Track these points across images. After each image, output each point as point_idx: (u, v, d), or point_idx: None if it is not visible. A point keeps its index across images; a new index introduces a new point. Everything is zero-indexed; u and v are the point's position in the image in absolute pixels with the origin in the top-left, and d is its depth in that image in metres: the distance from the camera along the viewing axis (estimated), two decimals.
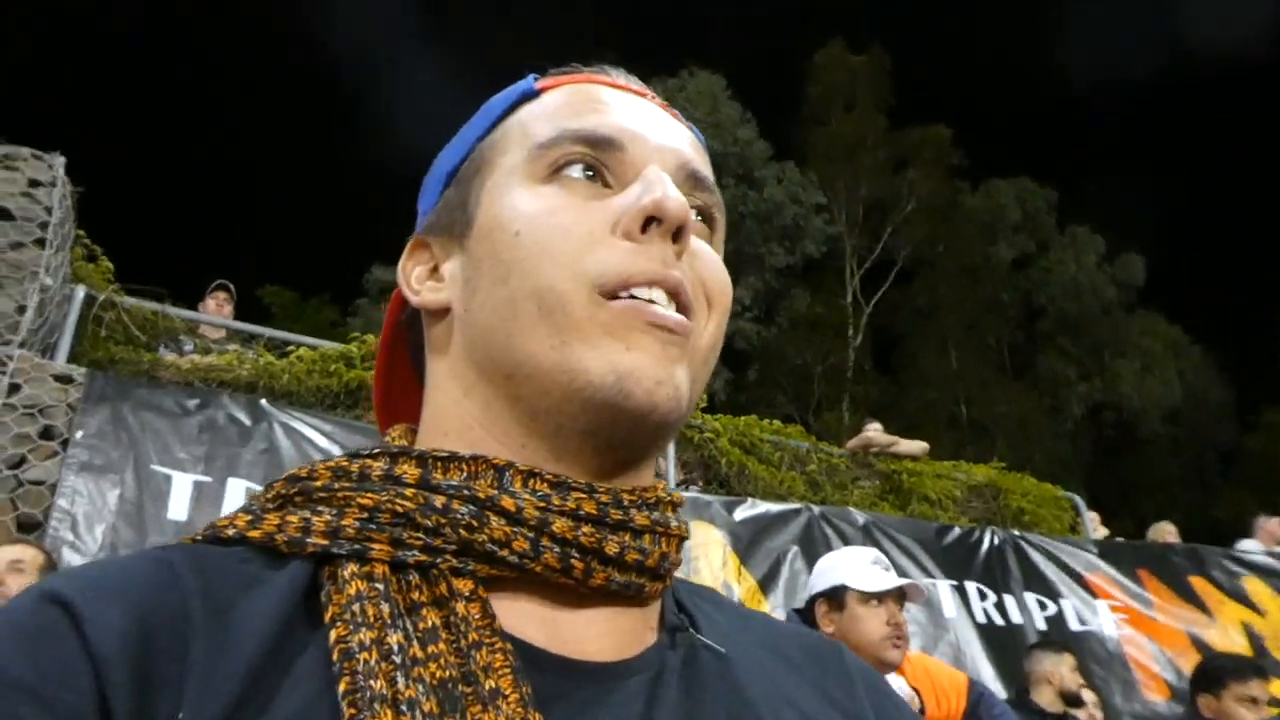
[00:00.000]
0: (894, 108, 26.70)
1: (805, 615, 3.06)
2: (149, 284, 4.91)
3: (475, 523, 0.54)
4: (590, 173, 0.62)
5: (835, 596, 2.97)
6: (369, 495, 0.55)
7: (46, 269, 4.06)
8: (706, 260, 0.63)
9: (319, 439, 4.38)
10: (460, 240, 0.64)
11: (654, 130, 0.65)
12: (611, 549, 0.56)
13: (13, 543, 3.16)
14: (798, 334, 24.49)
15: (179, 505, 3.79)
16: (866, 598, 2.91)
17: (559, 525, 0.55)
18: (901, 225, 25.95)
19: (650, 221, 0.58)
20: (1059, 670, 4.38)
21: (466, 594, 0.53)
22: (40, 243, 4.11)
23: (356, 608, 0.50)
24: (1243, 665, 3.79)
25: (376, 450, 0.59)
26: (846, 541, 5.36)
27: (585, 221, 0.59)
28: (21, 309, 3.95)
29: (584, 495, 0.56)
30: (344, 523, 0.54)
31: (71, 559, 3.49)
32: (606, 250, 0.58)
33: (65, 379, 3.91)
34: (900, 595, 2.96)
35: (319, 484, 0.56)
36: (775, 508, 5.40)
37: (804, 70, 27.25)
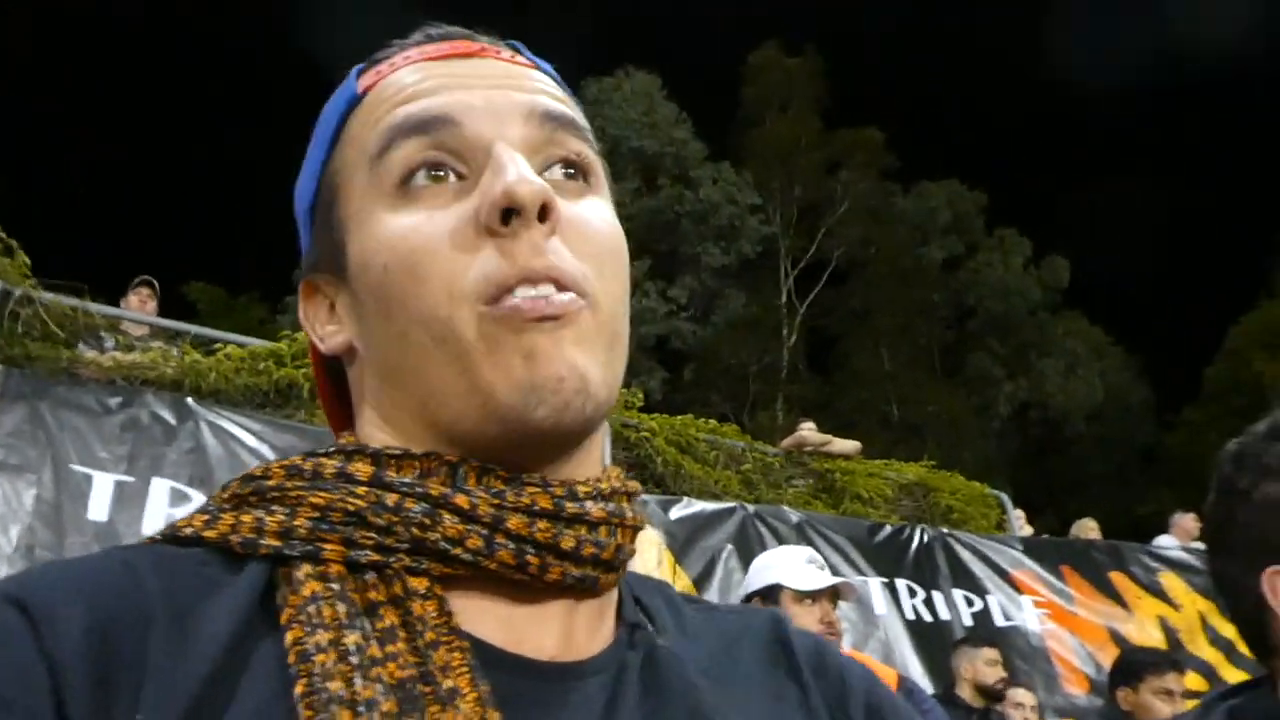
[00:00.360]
0: (828, 110, 27.06)
1: None
2: (68, 279, 4.77)
3: (428, 521, 0.53)
4: (438, 172, 0.58)
5: (770, 595, 3.01)
6: (321, 494, 0.54)
7: None
8: (585, 223, 0.59)
9: (248, 438, 4.30)
10: (342, 276, 0.62)
11: (490, 90, 0.61)
12: (567, 543, 0.55)
13: None
14: (733, 334, 24.67)
15: (99, 505, 3.70)
16: (800, 596, 2.96)
17: (513, 522, 0.54)
18: (835, 226, 26.28)
19: (509, 213, 0.55)
20: (974, 665, 4.49)
21: (422, 592, 0.52)
22: None
23: (312, 609, 0.50)
24: (1159, 659, 3.91)
25: (332, 449, 0.58)
26: (781, 540, 5.41)
27: (447, 233, 0.56)
28: None
29: (538, 489, 0.55)
30: (296, 523, 0.53)
31: None
32: (476, 258, 0.55)
33: None
34: (834, 594, 3.01)
35: (272, 483, 0.56)
36: (710, 506, 5.43)
37: (739, 71, 27.46)
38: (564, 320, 0.55)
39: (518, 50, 0.67)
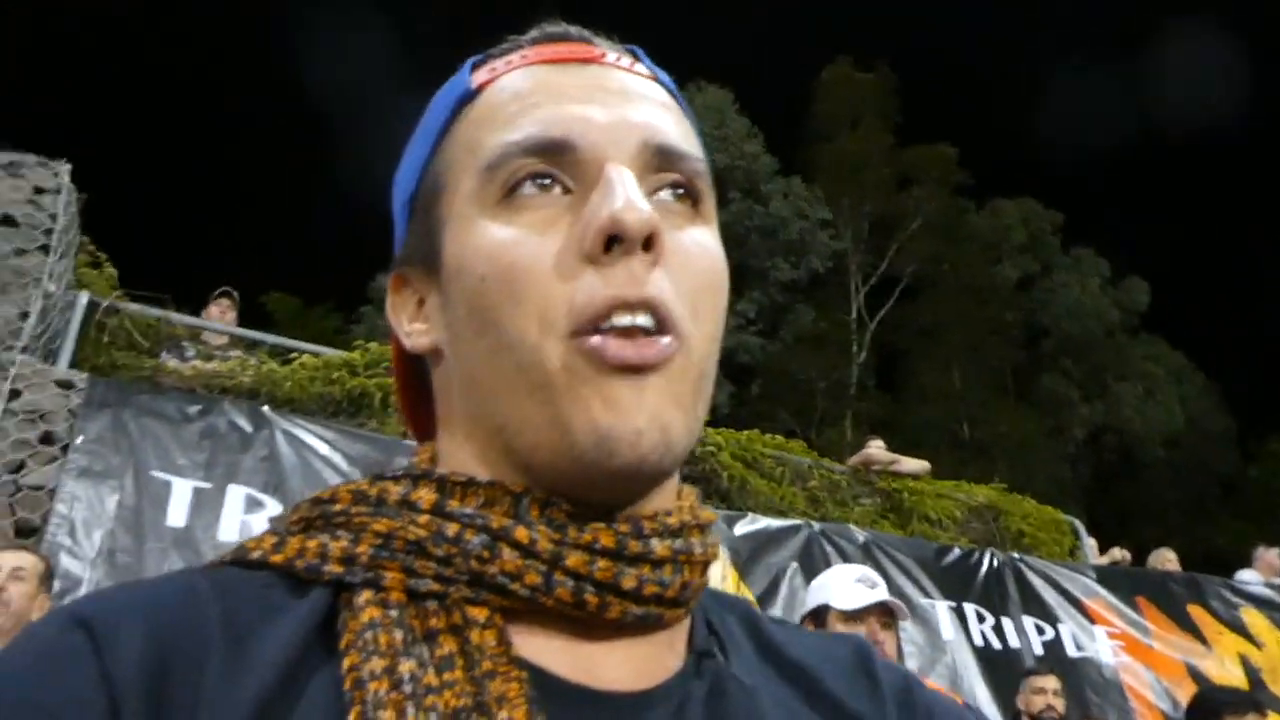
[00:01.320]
0: (900, 126, 26.78)
1: None
2: (152, 290, 4.92)
3: (487, 554, 0.53)
4: (545, 180, 0.57)
5: (818, 616, 2.96)
6: (384, 521, 0.54)
7: (50, 275, 4.08)
8: (688, 256, 0.58)
9: (321, 446, 4.38)
10: (435, 277, 0.61)
11: (609, 108, 0.59)
12: (628, 583, 0.54)
13: (13, 549, 3.16)
14: (801, 349, 24.48)
15: (178, 511, 3.80)
16: (846, 616, 2.89)
17: (573, 559, 0.53)
18: (906, 243, 25.95)
19: (613, 240, 0.54)
20: (1024, 694, 4.42)
21: (482, 621, 0.52)
22: (44, 249, 4.13)
23: (369, 635, 0.50)
24: (1240, 699, 3.77)
25: (399, 473, 0.58)
26: (846, 559, 5.35)
27: (547, 254, 0.55)
28: (24, 315, 3.96)
29: (602, 526, 0.55)
30: (359, 549, 0.53)
31: (69, 565, 3.50)
32: (573, 286, 0.54)
33: (66, 385, 3.92)
34: (885, 613, 2.94)
35: (338, 508, 0.56)
36: (775, 523, 5.40)
37: (811, 87, 27.33)
38: (649, 370, 0.54)
39: (637, 56, 0.66)
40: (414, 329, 0.64)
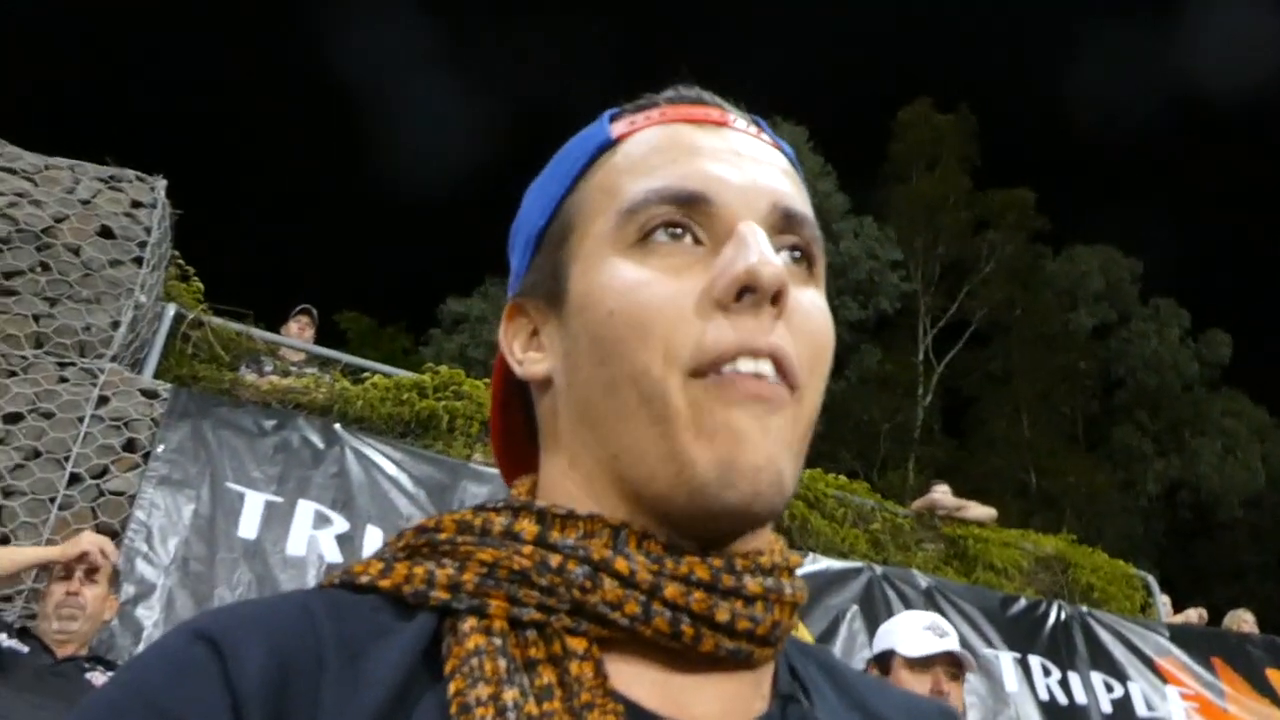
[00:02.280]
0: (978, 169, 26.48)
1: None
2: (234, 305, 5.06)
3: (589, 584, 0.54)
4: (678, 230, 0.60)
5: (883, 661, 2.91)
6: (489, 550, 0.56)
7: (142, 287, 4.21)
8: (806, 315, 0.61)
9: (388, 465, 4.45)
10: (556, 310, 0.63)
11: (743, 171, 0.62)
12: (722, 616, 0.55)
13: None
14: (866, 390, 24.21)
15: (250, 523, 3.88)
16: (912, 664, 2.83)
17: (670, 590, 0.55)
18: (979, 286, 25.59)
19: (745, 291, 0.56)
20: None
21: (580, 653, 0.54)
22: (138, 261, 4.27)
23: (475, 662, 0.52)
24: None
25: (500, 504, 0.60)
26: (908, 604, 5.26)
27: (678, 295, 0.57)
28: (115, 324, 4.09)
29: (697, 560, 0.56)
30: (464, 577, 0.55)
31: (144, 570, 3.59)
32: (700, 326, 0.56)
33: (151, 394, 4.04)
34: (953, 663, 2.87)
35: (444, 536, 0.58)
36: (837, 565, 5.33)
37: (888, 126, 27.20)
38: (773, 406, 0.56)
39: (760, 127, 0.69)
40: (527, 357, 0.66)
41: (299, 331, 5.89)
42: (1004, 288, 25.59)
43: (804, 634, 4.77)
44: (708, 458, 0.54)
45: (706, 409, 0.55)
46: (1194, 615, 7.55)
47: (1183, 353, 25.22)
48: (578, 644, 0.54)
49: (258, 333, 5.05)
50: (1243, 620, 7.44)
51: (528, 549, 0.56)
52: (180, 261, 4.90)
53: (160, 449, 3.85)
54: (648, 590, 0.54)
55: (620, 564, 0.55)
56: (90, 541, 3.10)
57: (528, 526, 0.57)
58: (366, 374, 5.32)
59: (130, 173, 4.50)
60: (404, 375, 5.33)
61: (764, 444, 0.55)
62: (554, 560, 0.55)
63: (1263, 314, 31.68)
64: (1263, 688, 6.04)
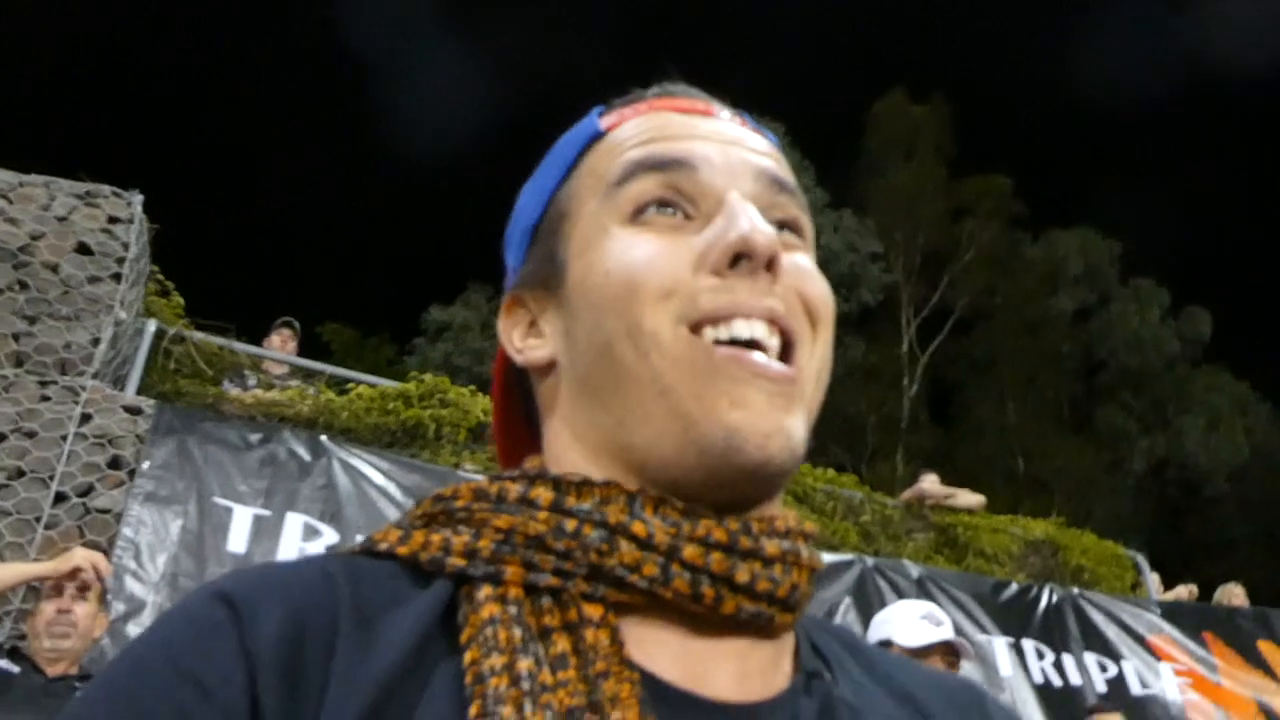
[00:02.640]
0: (954, 158, 26.59)
1: None
2: (215, 319, 5.04)
3: (606, 547, 0.54)
4: (669, 208, 0.61)
5: None
6: (505, 517, 0.56)
7: (121, 303, 4.20)
8: (802, 275, 0.61)
9: (375, 475, 4.44)
10: (555, 293, 0.64)
11: (727, 145, 0.64)
12: (742, 576, 0.55)
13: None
14: (852, 382, 24.27)
15: (238, 538, 3.87)
16: (910, 654, 2.84)
17: (689, 551, 0.54)
18: (960, 275, 25.69)
19: (739, 257, 0.57)
20: None
21: (596, 620, 0.53)
22: (116, 277, 4.25)
23: (490, 631, 0.52)
24: None
25: (516, 474, 0.60)
26: (900, 594, 5.29)
27: (672, 258, 0.58)
28: (96, 341, 4.08)
29: (714, 523, 0.56)
30: (480, 544, 0.55)
31: (133, 587, 3.57)
32: (695, 285, 0.57)
33: (135, 410, 4.02)
34: (949, 651, 2.89)
35: (460, 504, 0.58)
36: (828, 558, 5.35)
37: (863, 119, 27.28)
38: (780, 387, 0.57)
39: (745, 119, 0.70)
40: (528, 344, 0.67)
41: (281, 345, 5.87)
42: (984, 275, 25.71)
43: None
44: (714, 421, 0.55)
45: (708, 377, 0.56)
46: (1184, 592, 7.61)
47: (1163, 331, 25.37)
48: (593, 610, 0.54)
49: (240, 346, 5.03)
50: (1233, 594, 7.50)
51: (543, 514, 0.55)
52: (160, 277, 4.88)
53: (146, 465, 3.84)
54: (666, 552, 0.54)
55: (637, 527, 0.54)
56: (83, 557, 3.09)
57: (543, 493, 0.57)
58: (351, 385, 5.31)
59: (106, 188, 4.48)
60: (389, 385, 5.32)
61: (770, 414, 0.56)
62: (570, 525, 0.55)
63: (1241, 289, 31.94)
64: (1255, 660, 6.09)
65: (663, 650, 0.55)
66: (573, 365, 0.62)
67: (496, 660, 0.50)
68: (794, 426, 0.57)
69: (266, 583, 0.53)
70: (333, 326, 21.66)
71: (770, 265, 0.58)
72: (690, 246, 0.59)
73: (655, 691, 0.53)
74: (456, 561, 0.55)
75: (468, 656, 0.51)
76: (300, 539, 4.05)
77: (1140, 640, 5.93)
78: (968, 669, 5.08)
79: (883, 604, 4.93)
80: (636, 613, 0.55)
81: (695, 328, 0.56)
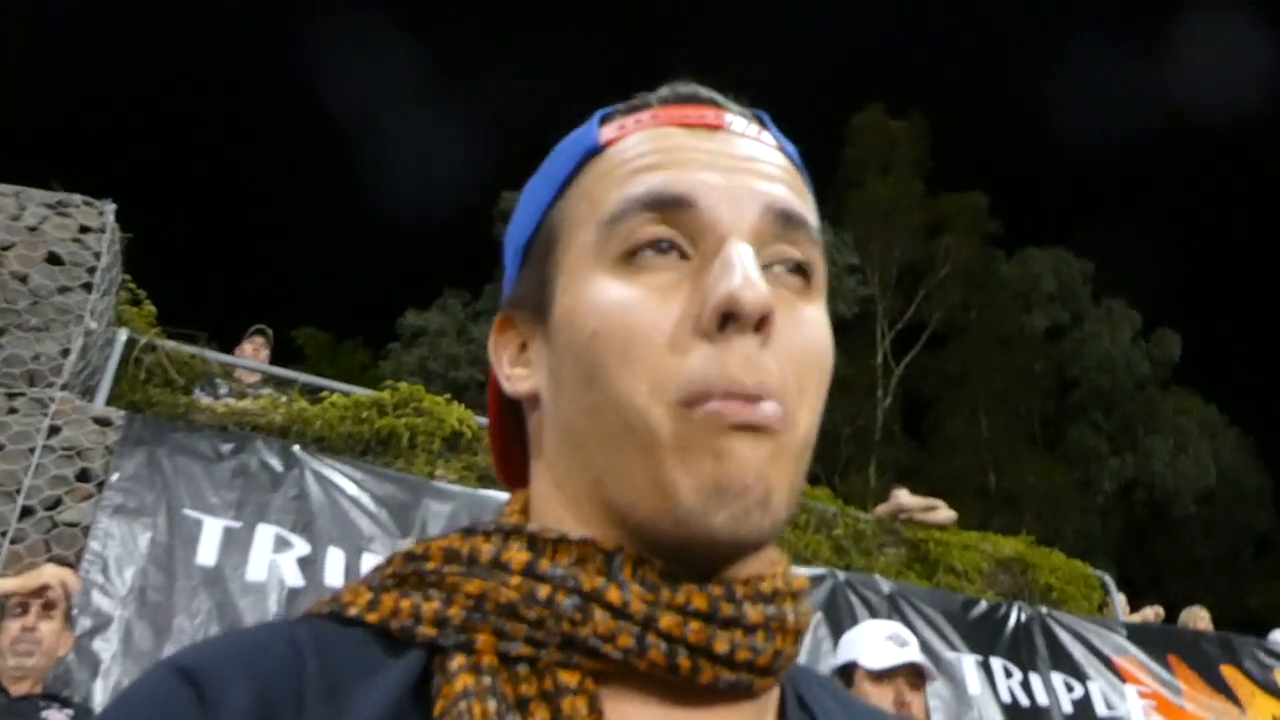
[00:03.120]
0: (932, 173, 26.79)
1: None
2: (186, 327, 5.00)
3: (579, 616, 0.52)
4: (665, 246, 0.57)
5: (846, 673, 2.93)
6: (476, 582, 0.54)
7: (92, 313, 4.15)
8: (799, 336, 0.58)
9: (349, 486, 4.41)
10: (542, 325, 0.62)
11: (734, 175, 0.60)
12: (721, 647, 0.53)
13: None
14: (827, 394, 24.36)
15: (208, 550, 3.82)
16: (875, 676, 2.86)
17: (666, 621, 0.53)
18: (935, 290, 25.87)
19: (728, 318, 0.54)
20: None
21: (574, 687, 0.52)
22: (87, 287, 4.21)
23: (464, 705, 0.50)
24: None
25: (490, 528, 0.58)
26: (871, 609, 5.30)
27: (662, 322, 0.55)
28: (65, 352, 4.03)
29: (695, 588, 0.54)
30: (451, 612, 0.54)
31: (100, 602, 3.52)
32: (686, 358, 0.54)
33: (104, 421, 3.98)
34: (914, 672, 2.91)
35: (430, 566, 0.56)
36: (800, 571, 5.29)
37: (842, 132, 27.43)
38: (764, 434, 0.54)
39: (764, 124, 0.67)
40: (515, 373, 0.65)
41: (254, 353, 5.82)
42: (959, 290, 25.91)
43: None
44: (692, 483, 0.53)
45: (691, 439, 0.53)
46: (1150, 613, 7.68)
47: (1134, 352, 25.64)
48: (570, 678, 0.52)
49: (212, 354, 4.99)
50: (1198, 617, 7.58)
51: (515, 579, 0.54)
52: (131, 285, 4.84)
53: (115, 477, 3.79)
54: (642, 621, 0.52)
55: (613, 594, 0.53)
56: (52, 574, 3.06)
57: (516, 555, 0.55)
58: (324, 393, 5.27)
59: (77, 197, 4.44)
60: (363, 393, 5.29)
61: (753, 461, 0.53)
62: (542, 592, 0.53)
63: (1211, 313, 32.32)
64: (1217, 684, 6.15)
65: (642, 715, 0.54)
66: (556, 409, 0.60)
67: None
68: (775, 483, 0.54)
69: (230, 656, 0.52)
70: (306, 331, 21.55)
71: (761, 325, 0.55)
72: (680, 302, 0.56)
73: None
74: (427, 631, 0.54)
75: None
76: (271, 550, 4.01)
77: (1106, 661, 5.98)
78: (936, 685, 5.11)
79: (854, 619, 4.95)
80: (614, 679, 0.54)
81: (688, 404, 0.54)
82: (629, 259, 0.58)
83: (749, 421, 0.53)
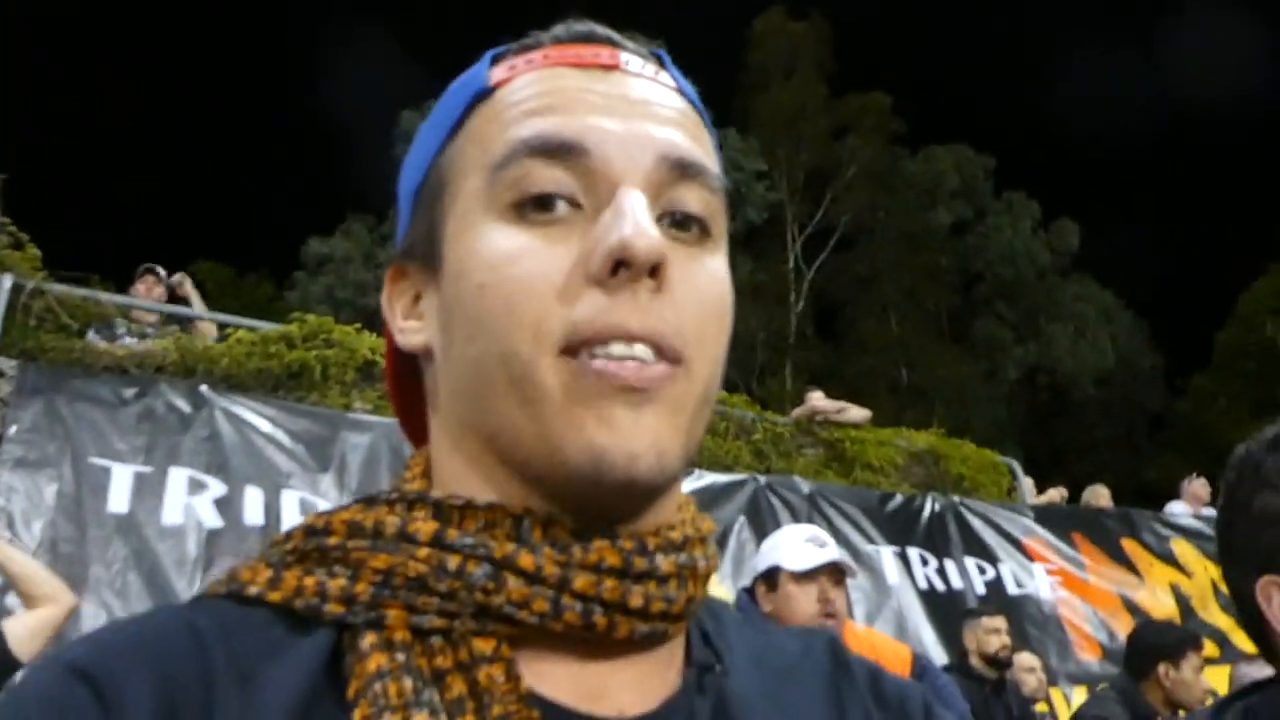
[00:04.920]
0: (834, 75, 26.76)
1: (751, 594, 3.12)
2: (76, 269, 4.80)
3: (492, 585, 0.51)
4: (555, 194, 0.55)
5: (770, 577, 3.02)
6: (382, 556, 0.52)
7: None
8: (697, 285, 0.56)
9: (262, 424, 4.33)
10: (433, 275, 0.59)
11: (629, 119, 0.57)
12: (635, 601, 0.53)
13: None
14: (740, 301, 23.01)
15: (119, 498, 3.74)
16: (798, 577, 2.94)
17: (580, 581, 0.52)
18: (842, 192, 26.08)
19: (620, 265, 0.52)
20: (976, 635, 4.53)
21: (489, 655, 0.51)
22: None
23: (379, 686, 0.49)
24: (1190, 637, 3.87)
25: (393, 496, 0.56)
26: (792, 511, 5.45)
27: (550, 270, 0.53)
28: None
29: (606, 545, 0.53)
30: (358, 589, 0.52)
31: None
32: (573, 305, 0.53)
33: None
34: (835, 570, 3.00)
35: (334, 541, 0.54)
36: (722, 479, 5.46)
37: (744, 37, 27.17)
38: (649, 394, 0.52)
39: (662, 64, 0.64)
40: (408, 326, 0.62)
41: (146, 292, 5.58)
42: (866, 192, 26.17)
43: None
44: (579, 444, 0.51)
45: (577, 393, 0.52)
46: (1055, 495, 8.04)
47: (1035, 243, 26.35)
48: (485, 645, 0.51)
49: (105, 296, 4.81)
50: (1099, 495, 7.96)
51: (423, 551, 0.52)
52: (12, 229, 4.60)
53: (13, 430, 3.66)
54: (556, 584, 0.52)
55: (525, 559, 0.52)
56: None
57: (423, 526, 0.53)
58: (229, 329, 5.13)
59: None
60: (270, 328, 5.16)
61: (640, 430, 0.52)
62: (452, 562, 0.51)
63: (1108, 201, 33.27)
64: (1119, 557, 6.50)
65: (560, 674, 0.54)
66: (447, 364, 0.58)
67: (390, 719, 0.48)
68: (665, 444, 0.53)
69: (125, 650, 0.49)
70: (206, 265, 20.90)
71: (654, 272, 0.53)
72: (571, 251, 0.54)
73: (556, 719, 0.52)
74: (334, 609, 0.52)
75: (357, 715, 0.48)
76: (186, 493, 3.93)
77: (1016, 543, 6.26)
78: (857, 581, 5.29)
79: (776, 522, 5.07)
80: (530, 640, 0.53)
81: (573, 352, 0.52)
82: (518, 208, 0.55)
83: (632, 383, 0.52)
